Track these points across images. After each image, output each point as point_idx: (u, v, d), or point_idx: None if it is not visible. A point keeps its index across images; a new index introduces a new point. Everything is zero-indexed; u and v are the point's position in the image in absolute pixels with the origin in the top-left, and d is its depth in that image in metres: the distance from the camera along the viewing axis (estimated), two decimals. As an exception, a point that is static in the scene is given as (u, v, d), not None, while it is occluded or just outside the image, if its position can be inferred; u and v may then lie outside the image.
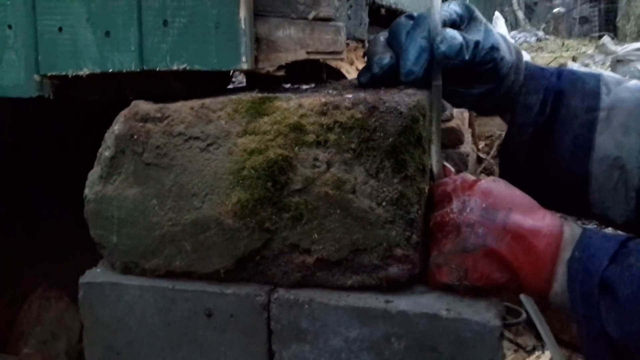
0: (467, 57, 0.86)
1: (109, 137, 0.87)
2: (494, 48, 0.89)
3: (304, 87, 1.01)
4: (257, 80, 1.05)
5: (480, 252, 0.77)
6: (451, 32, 0.84)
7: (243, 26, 0.81)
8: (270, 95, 0.84)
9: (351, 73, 1.43)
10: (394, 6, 1.47)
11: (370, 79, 0.92)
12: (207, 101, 0.84)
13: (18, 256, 1.91)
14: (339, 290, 0.81)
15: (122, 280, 0.88)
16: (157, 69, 0.85)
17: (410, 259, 0.79)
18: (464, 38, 0.85)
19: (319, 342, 0.80)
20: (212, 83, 0.95)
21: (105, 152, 0.87)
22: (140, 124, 0.85)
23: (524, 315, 0.84)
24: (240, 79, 1.90)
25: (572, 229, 0.79)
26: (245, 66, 0.81)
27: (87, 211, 0.89)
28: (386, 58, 0.89)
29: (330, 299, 0.80)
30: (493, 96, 0.95)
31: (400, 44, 0.88)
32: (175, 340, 0.85)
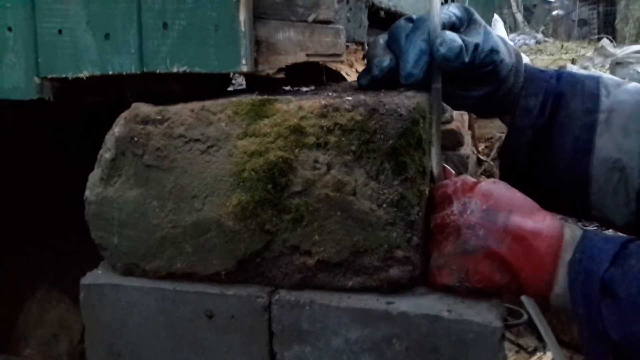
0: (466, 59, 0.86)
1: (110, 139, 0.87)
2: (494, 50, 0.89)
3: (304, 89, 1.01)
4: (257, 83, 1.05)
5: (481, 253, 0.78)
6: (451, 35, 0.85)
7: (243, 29, 0.81)
8: (270, 97, 0.85)
9: (351, 75, 1.44)
10: (393, 9, 1.48)
11: (370, 82, 0.92)
12: (207, 103, 0.84)
13: (18, 258, 1.91)
14: (339, 292, 0.81)
15: (123, 281, 0.88)
16: (157, 72, 0.85)
17: (411, 260, 0.79)
18: (464, 41, 0.86)
19: (320, 343, 0.80)
20: (212, 85, 0.95)
21: (106, 154, 0.87)
22: (141, 126, 0.85)
23: (525, 316, 0.84)
24: (240, 82, 1.90)
25: (572, 231, 0.79)
26: (245, 68, 0.82)
27: (88, 213, 0.89)
28: (386, 60, 0.89)
29: (331, 300, 0.80)
30: (493, 98, 0.95)
31: (399, 47, 0.89)
32: (176, 342, 0.86)
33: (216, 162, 0.82)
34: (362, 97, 0.82)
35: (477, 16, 0.92)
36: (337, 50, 0.99)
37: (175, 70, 0.84)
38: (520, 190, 0.84)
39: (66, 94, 0.94)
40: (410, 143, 0.78)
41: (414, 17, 0.91)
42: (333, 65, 1.34)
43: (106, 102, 0.96)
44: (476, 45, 0.87)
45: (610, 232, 1.01)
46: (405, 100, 0.79)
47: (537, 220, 0.79)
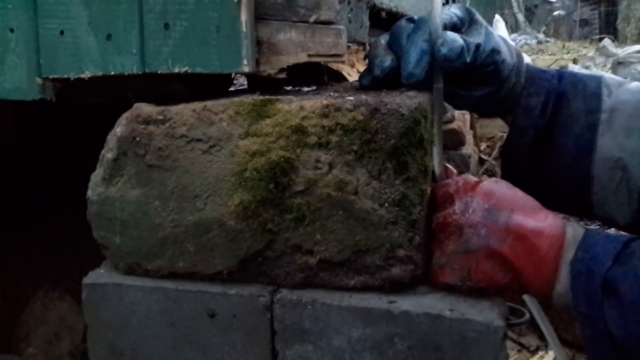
0: (468, 59, 0.86)
1: (111, 139, 0.87)
2: (495, 50, 0.89)
3: (306, 89, 1.01)
4: (259, 83, 1.05)
5: (483, 252, 0.78)
6: (452, 35, 0.85)
7: (244, 29, 0.81)
8: (272, 97, 0.85)
9: (352, 76, 1.44)
10: (394, 9, 1.48)
11: (371, 82, 0.92)
12: (209, 103, 0.85)
13: (20, 257, 1.92)
14: (341, 291, 0.81)
15: (125, 281, 0.88)
16: (159, 72, 0.85)
17: (413, 259, 0.79)
18: (465, 41, 0.86)
19: (322, 342, 0.80)
20: (214, 85, 0.95)
21: (108, 154, 0.88)
22: (143, 126, 0.86)
23: (527, 315, 0.84)
24: (241, 82, 1.91)
25: (574, 230, 0.79)
26: (246, 69, 0.82)
27: (90, 213, 0.89)
28: (387, 61, 0.90)
29: (333, 299, 0.80)
30: (494, 98, 0.95)
31: (401, 47, 0.89)
32: (179, 341, 0.86)
33: (218, 161, 0.83)
34: (363, 97, 0.82)
35: (478, 16, 0.92)
36: (338, 50, 1.00)
37: (176, 70, 0.84)
38: (522, 190, 0.84)
39: (68, 94, 0.94)
40: (412, 143, 0.78)
41: (416, 17, 0.91)
42: (334, 66, 1.35)
43: (107, 102, 0.96)
44: (477, 46, 0.87)
45: (612, 231, 1.01)
46: (406, 100, 0.79)
47: (539, 219, 0.79)
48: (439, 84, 0.88)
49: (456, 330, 0.75)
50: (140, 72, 0.86)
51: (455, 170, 0.92)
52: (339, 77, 1.39)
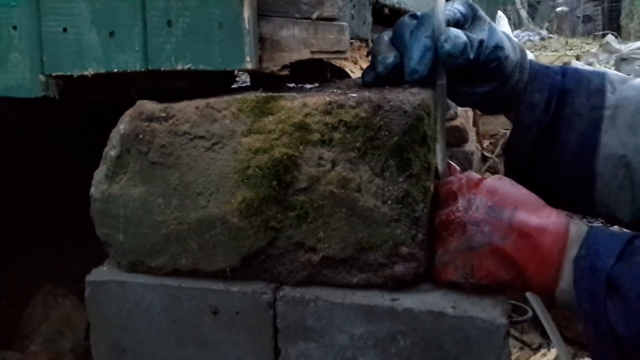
0: (471, 56, 0.86)
1: (115, 137, 0.88)
2: (498, 47, 0.89)
3: (308, 86, 1.01)
4: (261, 80, 1.05)
5: (486, 250, 0.77)
6: (455, 31, 0.84)
7: (247, 26, 0.81)
8: (275, 94, 0.85)
9: (355, 72, 1.44)
10: (397, 5, 1.47)
11: (374, 78, 0.92)
12: (212, 101, 0.85)
13: (23, 256, 1.92)
14: (344, 288, 0.81)
15: (128, 278, 0.88)
16: (162, 69, 0.85)
17: (416, 257, 0.79)
18: (468, 37, 0.86)
19: (324, 339, 0.80)
20: (217, 83, 0.95)
21: (111, 151, 0.88)
22: (146, 123, 0.86)
23: (530, 312, 0.84)
24: (244, 79, 1.90)
25: (578, 227, 0.79)
26: (249, 66, 0.82)
27: (93, 210, 0.89)
28: (390, 57, 0.89)
29: (335, 296, 0.80)
30: (497, 95, 0.95)
31: (404, 43, 0.88)
32: (181, 338, 0.86)
33: (221, 159, 0.83)
34: (366, 93, 0.82)
35: (481, 12, 0.92)
36: (341, 47, 1.00)
37: (179, 67, 0.84)
38: (525, 187, 0.83)
39: (71, 91, 0.94)
40: (415, 139, 0.78)
41: (418, 13, 0.91)
42: (337, 62, 1.34)
43: (110, 100, 0.96)
44: (481, 42, 0.87)
45: (616, 228, 1.01)
46: (409, 97, 0.79)
47: (543, 217, 0.79)
48: (442, 81, 0.88)
49: (459, 328, 0.75)
50: (143, 69, 0.86)
51: (458, 168, 0.92)
52: (342, 74, 1.39)
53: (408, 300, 0.78)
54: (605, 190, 0.91)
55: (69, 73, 0.89)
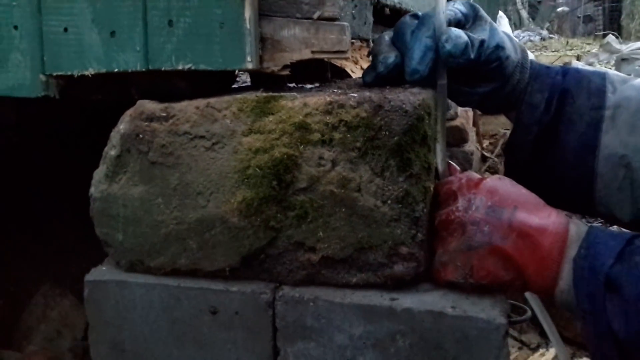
0: (472, 56, 0.86)
1: (115, 136, 0.88)
2: (499, 47, 0.89)
3: (309, 86, 1.01)
4: (262, 80, 1.05)
5: (486, 250, 0.78)
6: (456, 31, 0.84)
7: (248, 26, 0.81)
8: (275, 94, 0.85)
9: (356, 72, 1.44)
10: (398, 6, 1.47)
11: (375, 78, 0.92)
12: (212, 100, 0.85)
13: (22, 255, 1.92)
14: (344, 288, 0.81)
15: (128, 278, 0.88)
16: (163, 69, 0.85)
17: (416, 256, 0.79)
18: (469, 37, 0.86)
19: (323, 339, 0.80)
20: (217, 82, 0.95)
21: (111, 151, 0.88)
22: (146, 123, 0.86)
23: (529, 312, 0.84)
24: (244, 79, 1.90)
25: (577, 227, 0.79)
26: (250, 66, 0.82)
27: (93, 210, 0.89)
28: (391, 57, 0.89)
29: (335, 296, 0.80)
30: (498, 95, 0.95)
31: (405, 43, 0.89)
32: (180, 338, 0.86)
33: (221, 158, 0.83)
34: (367, 93, 0.82)
35: (482, 12, 0.92)
36: (342, 47, 1.00)
37: (180, 67, 0.84)
38: (525, 187, 0.83)
39: (71, 91, 0.94)
40: (415, 139, 0.78)
41: (420, 13, 0.91)
42: (338, 62, 1.34)
43: (110, 99, 0.96)
44: (482, 42, 0.87)
45: (615, 228, 1.01)
46: (410, 97, 0.79)
47: (543, 217, 0.79)
48: (443, 81, 0.88)
49: (458, 328, 0.75)
50: (143, 69, 0.86)
51: (458, 168, 0.92)
52: (342, 74, 1.39)
53: (407, 300, 0.78)
54: (605, 190, 0.91)
55: (69, 73, 0.89)
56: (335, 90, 0.89)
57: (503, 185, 0.82)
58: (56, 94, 0.92)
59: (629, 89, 0.93)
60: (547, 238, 0.77)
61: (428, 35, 0.86)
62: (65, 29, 0.88)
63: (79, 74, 0.89)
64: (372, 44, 1.05)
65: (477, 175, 0.85)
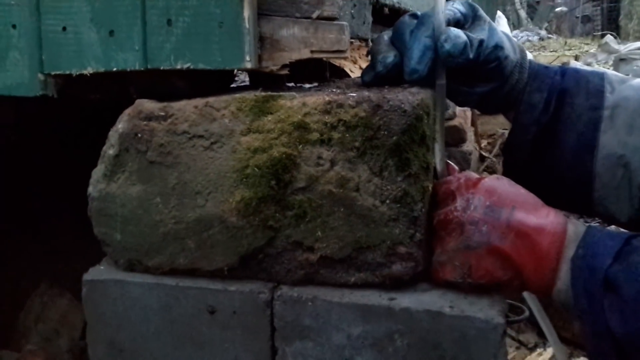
0: (471, 55, 0.86)
1: (113, 136, 0.87)
2: (498, 47, 0.89)
3: (308, 85, 1.01)
4: (261, 79, 1.05)
5: (484, 249, 0.78)
6: (455, 31, 0.84)
7: (247, 25, 0.81)
8: (274, 93, 0.85)
9: (354, 72, 1.44)
10: (397, 5, 1.47)
11: (374, 78, 0.92)
12: (211, 100, 0.85)
13: (20, 255, 1.92)
14: (342, 288, 0.81)
15: (126, 277, 0.88)
16: (161, 68, 0.85)
17: (414, 256, 0.79)
18: (468, 37, 0.86)
19: (321, 339, 0.80)
20: (216, 82, 0.95)
21: (109, 150, 0.87)
22: (144, 122, 0.86)
23: (527, 312, 0.84)
24: (242, 78, 1.90)
25: (575, 227, 0.79)
26: (249, 65, 0.82)
27: (91, 209, 0.89)
28: (390, 57, 0.89)
29: (333, 296, 0.80)
30: (497, 95, 0.95)
31: (404, 43, 0.89)
32: (179, 337, 0.86)
33: (220, 158, 0.83)
34: (366, 93, 0.82)
35: (481, 12, 0.92)
36: (341, 46, 1.00)
37: (179, 66, 0.84)
38: (524, 187, 0.84)
39: (70, 90, 0.94)
40: (414, 139, 0.78)
41: (419, 13, 0.91)
42: (337, 62, 1.34)
43: (109, 99, 0.96)
44: (481, 42, 0.87)
45: (613, 228, 1.01)
46: (409, 97, 0.79)
47: (541, 216, 0.79)
48: (442, 80, 0.88)
49: (456, 327, 0.75)
50: (142, 69, 0.86)
51: (456, 167, 0.92)
52: (341, 74, 1.39)
53: (406, 300, 0.78)
54: (603, 190, 0.91)
55: (68, 72, 0.89)
56: (334, 90, 0.89)
57: (501, 185, 0.82)
58: (54, 93, 0.92)
59: (627, 89, 0.93)
60: (545, 238, 0.78)
61: (427, 35, 0.86)
62: (64, 28, 0.88)
63: (78, 73, 0.89)
64: (371, 44, 1.05)
65: (476, 175, 0.85)
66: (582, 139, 0.92)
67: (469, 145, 2.94)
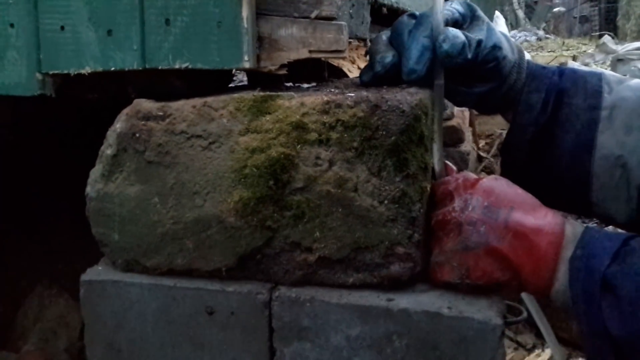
0: (469, 56, 0.86)
1: (111, 135, 0.87)
2: (496, 47, 0.89)
3: (306, 85, 1.01)
4: (259, 79, 1.05)
5: (482, 250, 0.78)
6: (453, 31, 0.84)
7: (245, 25, 0.81)
8: (272, 93, 0.84)
9: (353, 72, 1.44)
10: (395, 5, 1.47)
11: (372, 78, 0.92)
12: (209, 100, 0.84)
13: (18, 255, 1.92)
14: (340, 289, 0.81)
15: (124, 278, 0.88)
16: (159, 68, 0.85)
17: (412, 257, 0.79)
18: (467, 37, 0.86)
19: (320, 340, 0.80)
20: (214, 81, 0.95)
21: (107, 150, 0.87)
22: (142, 122, 0.85)
23: (525, 313, 0.84)
24: (240, 78, 1.90)
25: (573, 228, 0.79)
26: (247, 65, 0.82)
27: (89, 209, 0.89)
28: (388, 57, 0.89)
29: (331, 297, 0.80)
30: (495, 95, 0.95)
31: (402, 43, 0.88)
32: (177, 338, 0.86)
33: (218, 158, 0.82)
34: (364, 93, 0.82)
35: (480, 12, 0.92)
36: (339, 46, 0.99)
37: (177, 66, 0.84)
38: (522, 187, 0.84)
39: (68, 90, 0.94)
40: (412, 139, 0.78)
41: (417, 13, 0.91)
42: (335, 62, 1.34)
43: (107, 98, 0.96)
44: (479, 42, 0.87)
45: (611, 229, 1.01)
46: (407, 97, 0.79)
47: (539, 217, 0.79)
48: (440, 80, 0.88)
49: (454, 328, 0.75)
50: (140, 68, 0.86)
51: (454, 168, 0.92)
52: (340, 74, 1.39)
53: (404, 301, 0.78)
54: (601, 190, 0.92)
55: (66, 71, 0.89)
56: (333, 90, 0.89)
57: (499, 185, 0.82)
58: (52, 92, 0.92)
59: (625, 89, 0.93)
60: (543, 238, 0.78)
61: (425, 35, 0.86)
62: (62, 27, 0.88)
63: (76, 73, 0.89)
64: (369, 44, 1.05)
65: (474, 176, 0.85)
66: (580, 139, 0.92)
67: (467, 146, 2.94)
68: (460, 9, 0.90)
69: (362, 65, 1.21)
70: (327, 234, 0.80)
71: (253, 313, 0.82)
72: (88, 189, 0.89)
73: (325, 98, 0.80)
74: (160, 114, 0.85)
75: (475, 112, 3.13)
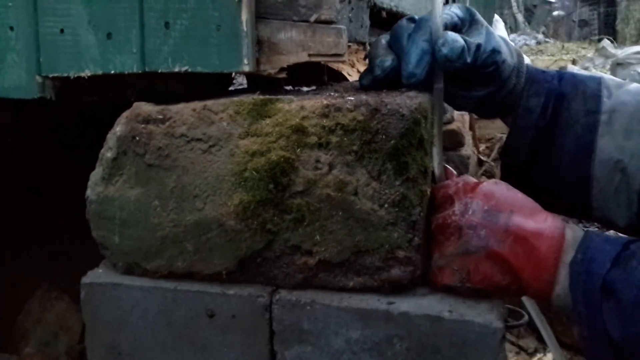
0: (468, 60, 0.86)
1: (111, 138, 0.87)
2: (496, 51, 0.89)
3: (305, 89, 1.01)
4: (259, 83, 1.05)
5: (483, 254, 0.78)
6: (453, 35, 0.85)
7: (245, 28, 0.81)
8: (272, 97, 0.85)
9: (352, 75, 1.44)
10: (395, 9, 1.47)
11: (372, 82, 0.92)
12: (209, 103, 0.84)
13: (18, 258, 1.91)
14: (340, 292, 0.81)
15: (124, 280, 0.88)
16: (159, 71, 0.85)
17: (412, 260, 0.79)
18: (466, 41, 0.86)
19: (320, 343, 0.80)
20: (214, 85, 0.95)
21: (107, 153, 0.87)
22: (142, 125, 0.85)
23: (526, 317, 0.84)
24: (240, 81, 1.90)
25: (574, 232, 0.79)
26: (247, 68, 0.82)
27: (89, 212, 0.89)
28: (388, 60, 0.89)
29: (332, 300, 0.80)
30: (494, 99, 0.95)
31: (402, 47, 0.89)
32: (177, 341, 0.86)
33: (218, 161, 0.82)
34: (364, 97, 0.82)
35: (479, 16, 0.92)
36: (339, 50, 1.00)
37: (177, 69, 0.84)
38: (522, 191, 0.84)
39: (67, 93, 0.94)
40: (412, 143, 0.78)
41: (416, 17, 0.91)
42: (334, 65, 1.34)
43: (107, 101, 0.96)
44: (478, 46, 0.87)
45: (611, 233, 1.01)
46: (407, 101, 0.79)
47: (539, 221, 0.79)
48: (440, 84, 0.88)
49: (455, 332, 0.75)
50: (140, 71, 0.86)
51: (454, 171, 0.92)
52: (339, 77, 1.39)
53: (404, 304, 0.78)
54: (601, 194, 0.92)
55: (65, 74, 0.89)
56: (332, 94, 0.89)
57: (499, 189, 0.82)
58: (52, 95, 0.92)
59: (624, 93, 0.93)
60: (543, 242, 0.78)
61: (425, 39, 0.86)
62: (62, 30, 0.88)
63: (75, 76, 0.89)
64: (368, 47, 1.05)
65: (474, 179, 0.85)
66: (579, 143, 0.92)
67: (467, 149, 2.94)
68: (459, 13, 0.90)
69: (362, 68, 1.21)
70: (327, 238, 0.80)
71: (254, 316, 0.82)
72: (88, 192, 0.89)
73: (325, 102, 0.80)
74: (160, 117, 0.85)
75: (475, 115, 3.13)
